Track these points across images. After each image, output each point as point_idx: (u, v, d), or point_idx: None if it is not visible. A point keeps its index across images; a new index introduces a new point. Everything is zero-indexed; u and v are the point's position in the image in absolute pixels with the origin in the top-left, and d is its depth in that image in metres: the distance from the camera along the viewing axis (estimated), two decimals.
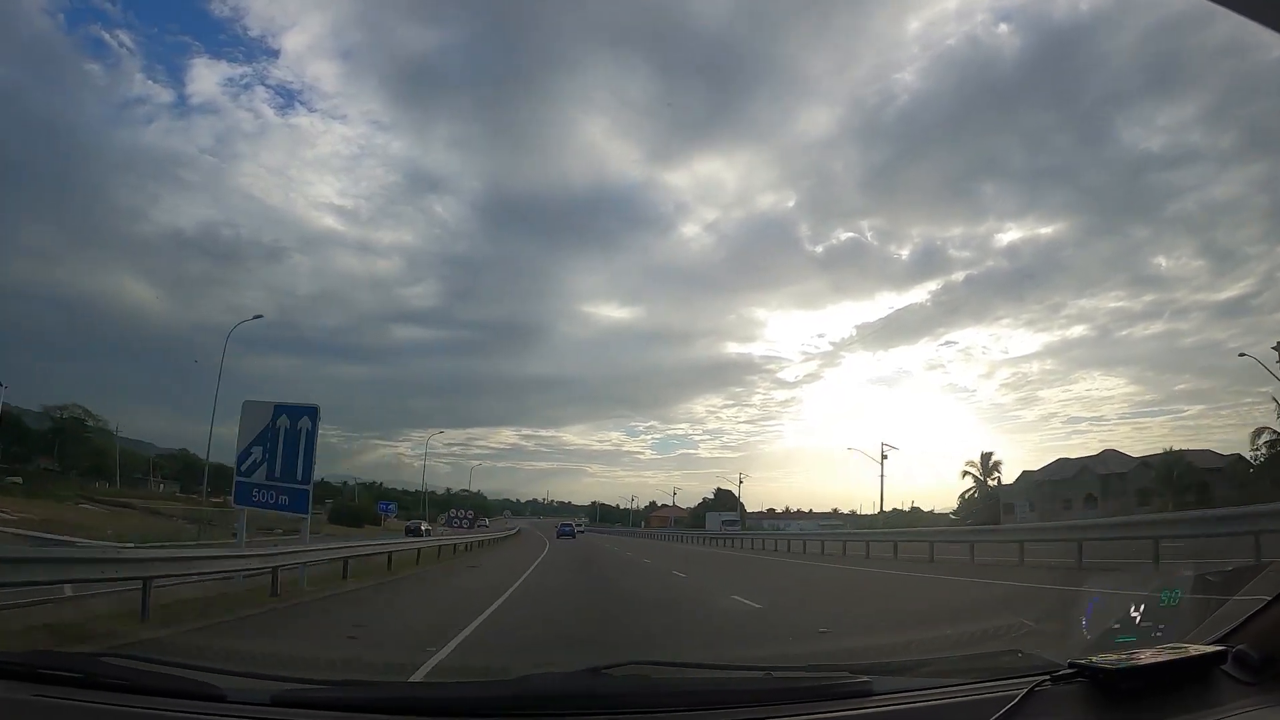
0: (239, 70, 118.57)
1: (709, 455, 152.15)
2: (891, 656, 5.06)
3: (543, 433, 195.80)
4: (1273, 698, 1.85)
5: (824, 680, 2.32)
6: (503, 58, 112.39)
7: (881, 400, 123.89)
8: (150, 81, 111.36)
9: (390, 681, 5.21)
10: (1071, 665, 2.01)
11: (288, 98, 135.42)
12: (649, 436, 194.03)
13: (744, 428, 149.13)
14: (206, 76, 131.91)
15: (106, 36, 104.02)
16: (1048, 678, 1.99)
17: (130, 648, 5.49)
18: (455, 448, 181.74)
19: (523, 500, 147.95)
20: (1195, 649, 2.03)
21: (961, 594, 13.17)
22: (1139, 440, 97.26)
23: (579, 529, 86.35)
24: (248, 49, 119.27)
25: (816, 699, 2.10)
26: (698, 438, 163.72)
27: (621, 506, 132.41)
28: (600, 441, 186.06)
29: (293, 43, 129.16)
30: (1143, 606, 2.63)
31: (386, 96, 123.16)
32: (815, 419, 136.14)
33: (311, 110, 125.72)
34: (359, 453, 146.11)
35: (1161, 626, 2.48)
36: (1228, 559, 9.27)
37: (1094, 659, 1.99)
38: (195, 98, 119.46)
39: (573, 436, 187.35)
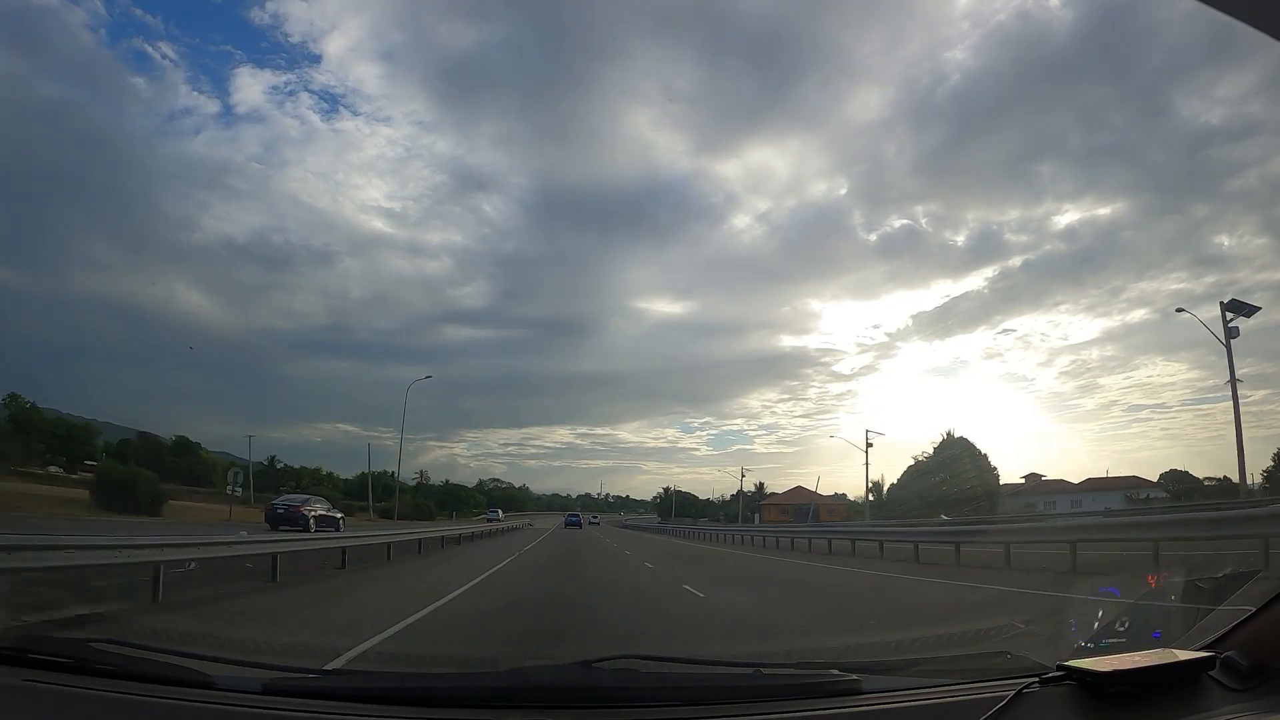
0: (282, 78, 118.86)
1: (764, 450, 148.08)
2: (881, 656, 5.08)
3: (598, 431, 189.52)
4: (1260, 704, 1.86)
5: (814, 678, 2.33)
6: (546, 51, 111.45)
7: (939, 391, 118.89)
8: (195, 93, 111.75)
9: (382, 671, 5.21)
10: (1060, 667, 2.01)
11: (331, 102, 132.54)
12: (704, 432, 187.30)
13: (799, 422, 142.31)
14: (250, 85, 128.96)
15: (149, 49, 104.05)
16: (1036, 680, 2.00)
17: None
18: (511, 448, 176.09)
19: (574, 496, 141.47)
20: (1184, 654, 2.04)
21: None
22: (1202, 429, 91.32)
23: (591, 521, 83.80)
24: (290, 55, 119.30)
25: (806, 696, 2.11)
26: (753, 433, 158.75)
27: (702, 496, 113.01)
28: (655, 438, 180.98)
29: (334, 47, 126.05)
30: (1134, 612, 2.64)
31: (430, 96, 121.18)
32: (872, 412, 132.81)
33: (356, 114, 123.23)
34: (415, 454, 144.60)
35: (1152, 631, 2.49)
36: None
37: (1083, 662, 1.99)
38: (240, 106, 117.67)
39: (628, 434, 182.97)
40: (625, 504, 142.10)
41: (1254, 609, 2.07)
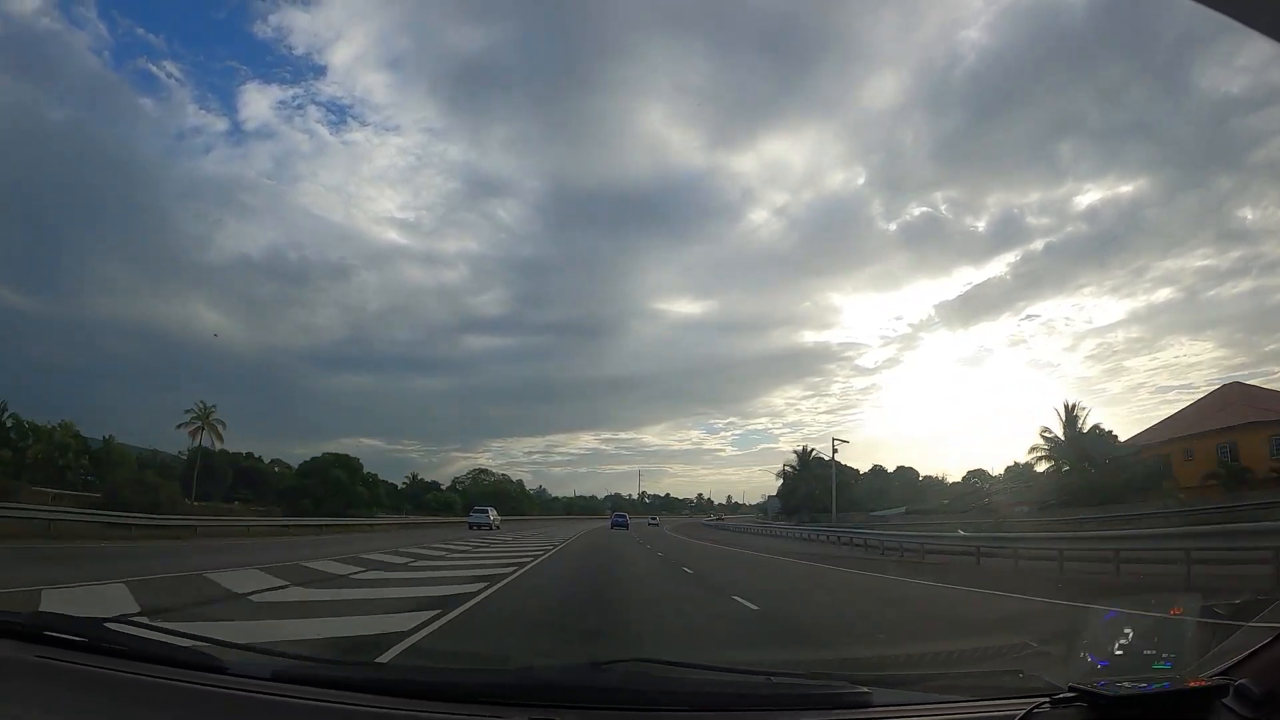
0: (289, 92, 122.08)
1: (790, 448, 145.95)
2: (893, 669, 5.06)
3: (622, 435, 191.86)
4: None
5: (824, 689, 2.33)
6: (555, 50, 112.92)
7: (964, 381, 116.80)
8: (203, 111, 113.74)
9: (392, 664, 5.25)
10: (1072, 689, 2.00)
11: (339, 113, 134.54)
12: (728, 433, 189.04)
13: (824, 418, 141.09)
14: (258, 101, 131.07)
15: (154, 69, 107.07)
16: (1047, 700, 1.99)
17: None
18: (535, 455, 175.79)
19: (600, 497, 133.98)
20: (1197, 680, 2.02)
21: None
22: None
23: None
24: (295, 68, 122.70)
25: (816, 707, 2.12)
26: (777, 431, 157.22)
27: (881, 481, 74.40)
28: (680, 441, 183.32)
29: (339, 57, 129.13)
30: (1148, 635, 2.62)
31: (439, 102, 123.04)
32: (896, 405, 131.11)
33: (364, 124, 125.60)
34: (440, 465, 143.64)
35: (1166, 655, 2.47)
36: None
37: (1095, 684, 1.98)
38: (249, 123, 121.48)
39: (652, 437, 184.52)
40: (666, 504, 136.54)
41: (1270, 636, 2.05)
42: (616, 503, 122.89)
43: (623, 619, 9.87)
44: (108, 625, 2.32)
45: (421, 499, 75.80)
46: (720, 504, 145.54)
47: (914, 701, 2.18)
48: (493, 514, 50.78)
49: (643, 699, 2.13)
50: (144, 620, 2.59)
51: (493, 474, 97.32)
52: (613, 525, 61.27)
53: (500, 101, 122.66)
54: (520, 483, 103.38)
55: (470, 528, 44.24)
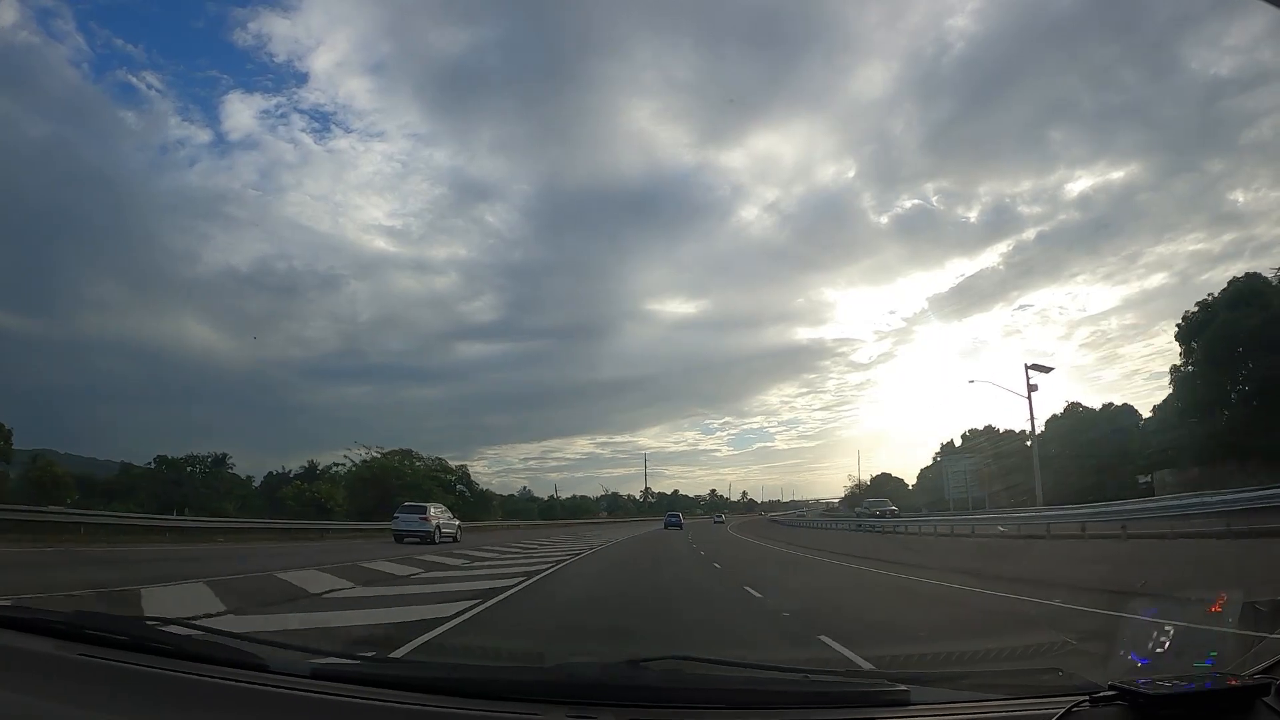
0: (272, 101, 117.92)
1: (786, 447, 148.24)
2: (931, 667, 5.05)
3: (618, 439, 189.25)
4: None
5: (862, 687, 2.35)
6: (541, 50, 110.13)
7: (959, 374, 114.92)
8: (186, 123, 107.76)
9: (429, 661, 5.33)
10: (1112, 687, 2.00)
11: (323, 121, 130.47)
12: (724, 433, 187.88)
13: (819, 415, 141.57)
14: (241, 111, 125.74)
15: (134, 80, 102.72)
16: (1087, 699, 1.99)
17: None
18: (531, 462, 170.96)
19: (594, 498, 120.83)
20: (1238, 679, 2.02)
21: None
22: None
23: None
24: (276, 76, 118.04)
25: (853, 705, 2.13)
26: (773, 430, 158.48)
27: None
28: (676, 442, 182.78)
29: (321, 63, 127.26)
30: (1189, 633, 2.61)
31: (424, 107, 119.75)
32: (892, 400, 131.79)
33: (348, 131, 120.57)
34: None
35: (1207, 654, 2.46)
36: None
37: (1135, 683, 1.98)
38: (233, 134, 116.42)
39: (648, 440, 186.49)
40: (675, 502, 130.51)
41: None
42: (614, 503, 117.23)
43: None
44: (148, 623, 2.39)
45: (274, 494, 51.86)
46: (736, 501, 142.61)
47: (952, 700, 2.18)
48: (438, 515, 30.76)
49: (681, 697, 2.14)
50: (184, 619, 2.68)
51: (422, 459, 62.11)
52: (666, 525, 61.09)
53: (486, 104, 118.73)
54: (464, 469, 70.70)
55: (397, 539, 27.90)
